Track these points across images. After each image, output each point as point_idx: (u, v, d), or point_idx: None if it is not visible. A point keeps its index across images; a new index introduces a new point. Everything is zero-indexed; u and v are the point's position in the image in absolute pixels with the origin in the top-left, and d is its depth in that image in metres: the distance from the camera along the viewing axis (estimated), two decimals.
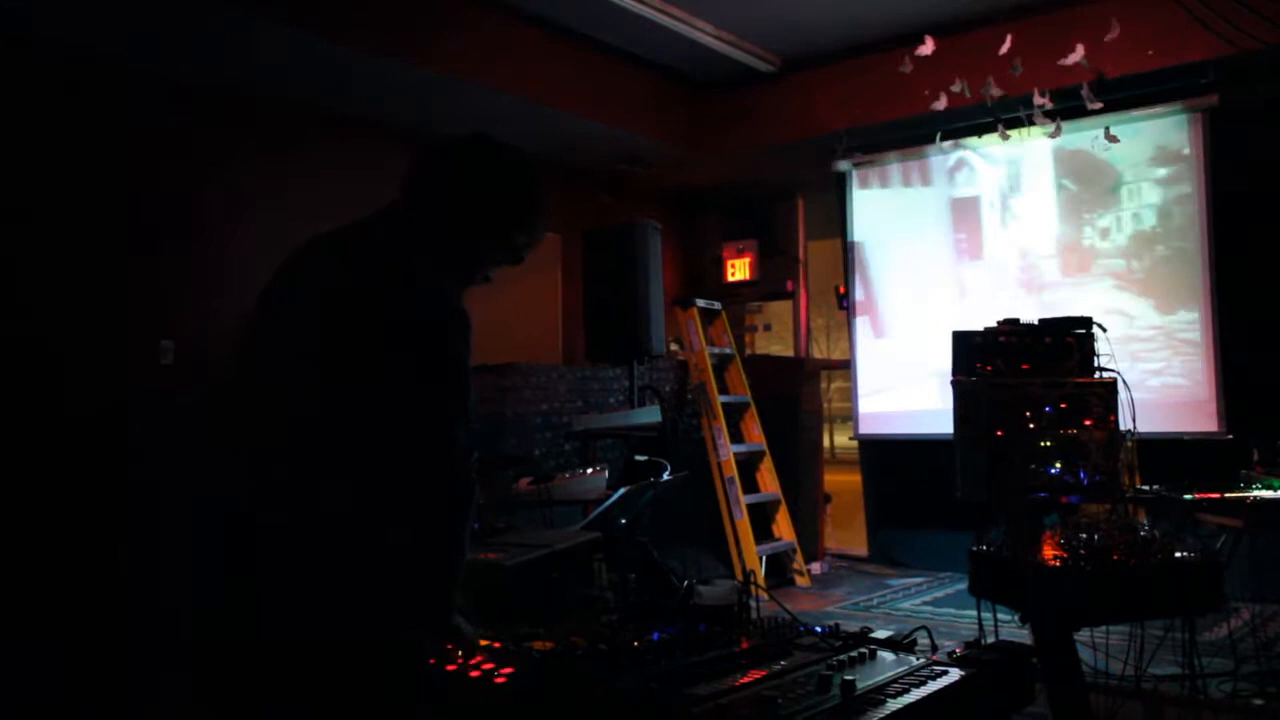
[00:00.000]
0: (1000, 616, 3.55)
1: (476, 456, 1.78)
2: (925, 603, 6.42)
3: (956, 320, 5.66)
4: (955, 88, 5.81)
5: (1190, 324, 6.36)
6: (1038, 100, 5.96)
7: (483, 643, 1.87)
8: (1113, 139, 6.18)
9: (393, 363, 1.74)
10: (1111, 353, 3.51)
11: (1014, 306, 5.38)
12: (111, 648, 4.39)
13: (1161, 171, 6.51)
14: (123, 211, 5.39)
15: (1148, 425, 3.58)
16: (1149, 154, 6.54)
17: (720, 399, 7.15)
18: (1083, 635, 3.56)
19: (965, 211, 7.23)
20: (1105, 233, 6.68)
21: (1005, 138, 6.49)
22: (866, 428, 7.71)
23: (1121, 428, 3.38)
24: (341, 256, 1.87)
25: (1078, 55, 5.62)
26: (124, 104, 5.45)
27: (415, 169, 1.97)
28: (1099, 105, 5.88)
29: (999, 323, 3.62)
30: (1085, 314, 3.62)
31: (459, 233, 1.94)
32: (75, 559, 4.63)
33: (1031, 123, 6.24)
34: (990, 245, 7.12)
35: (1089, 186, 6.75)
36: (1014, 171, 7.02)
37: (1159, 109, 6.41)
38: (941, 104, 6.04)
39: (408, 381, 1.74)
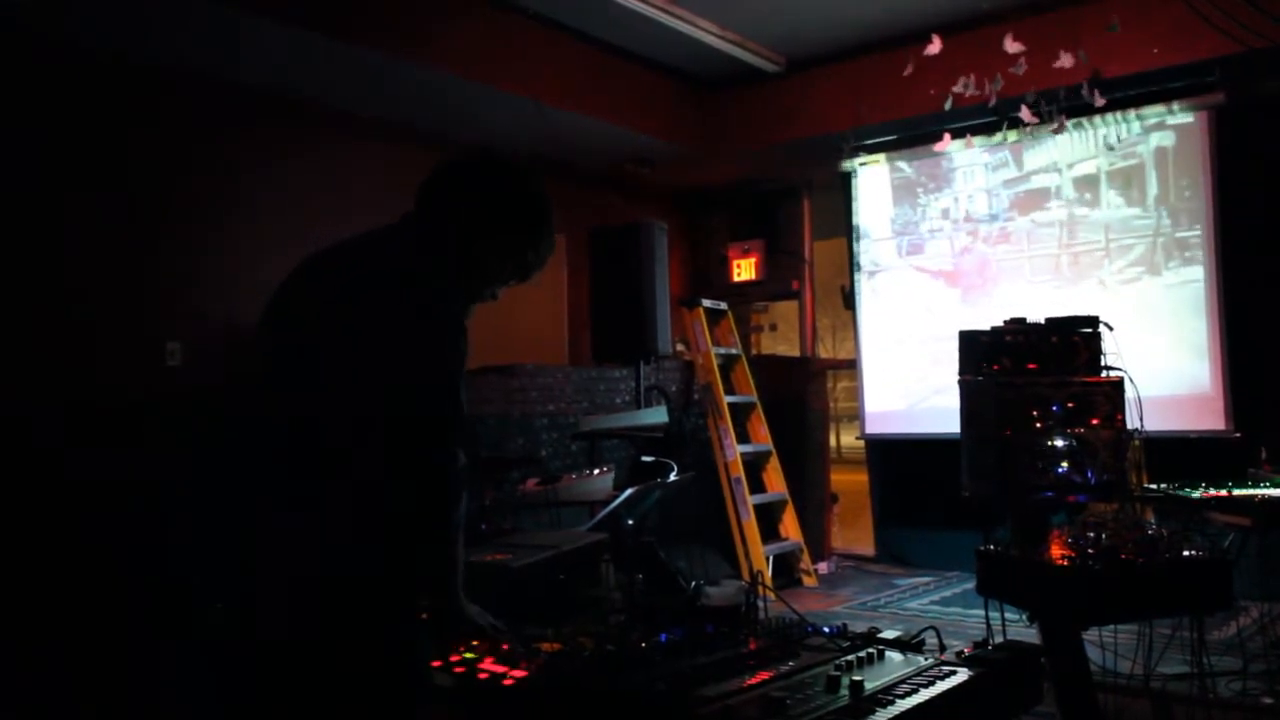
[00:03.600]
0: (1008, 616, 3.55)
1: (464, 461, 1.82)
2: (933, 602, 6.41)
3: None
4: (958, 87, 5.79)
5: (1197, 322, 6.33)
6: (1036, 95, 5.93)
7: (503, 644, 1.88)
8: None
9: (389, 368, 1.78)
10: (1119, 351, 3.51)
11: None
12: (113, 649, 4.39)
13: (1170, 169, 6.50)
14: (124, 211, 5.40)
15: (1155, 424, 3.57)
16: (1157, 151, 6.53)
17: (726, 399, 7.14)
18: (1091, 634, 3.55)
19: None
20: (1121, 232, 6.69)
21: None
22: (873, 427, 7.70)
23: (1129, 426, 3.38)
24: (350, 267, 1.91)
25: (1082, 55, 5.60)
26: (125, 103, 5.45)
27: (429, 183, 2.01)
28: (1103, 103, 5.86)
29: (1005, 322, 3.61)
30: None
31: (469, 248, 1.98)
32: (79, 560, 4.64)
33: (1034, 121, 6.21)
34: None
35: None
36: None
37: (1165, 107, 6.40)
38: (948, 103, 6.03)
39: (403, 385, 1.77)
